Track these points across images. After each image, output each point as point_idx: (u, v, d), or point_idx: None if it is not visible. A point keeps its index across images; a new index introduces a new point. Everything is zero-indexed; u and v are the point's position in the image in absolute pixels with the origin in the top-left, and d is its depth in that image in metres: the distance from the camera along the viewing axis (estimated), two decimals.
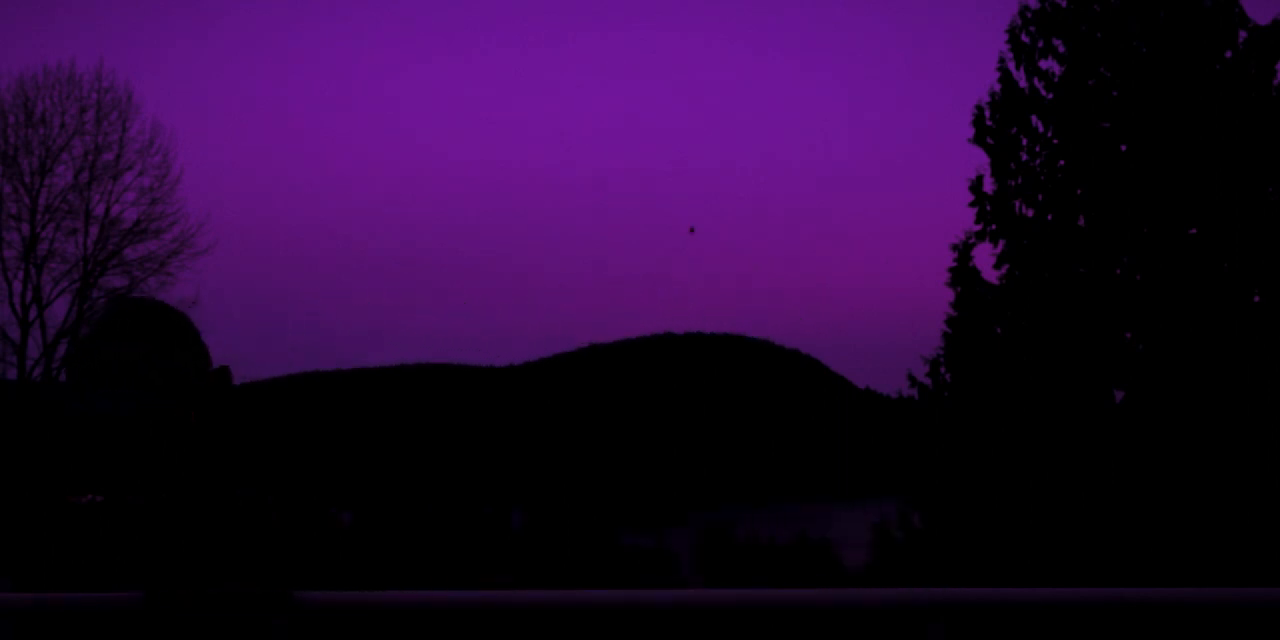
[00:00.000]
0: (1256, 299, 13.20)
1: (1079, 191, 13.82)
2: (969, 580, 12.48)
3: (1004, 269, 14.14)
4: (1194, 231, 13.41)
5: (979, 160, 14.54)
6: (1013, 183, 14.22)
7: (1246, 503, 12.18)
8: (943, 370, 14.47)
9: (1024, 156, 14.27)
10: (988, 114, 14.51)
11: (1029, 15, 14.44)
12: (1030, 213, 14.05)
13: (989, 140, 14.44)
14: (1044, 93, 14.28)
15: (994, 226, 14.21)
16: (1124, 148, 13.77)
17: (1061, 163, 14.04)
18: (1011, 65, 14.46)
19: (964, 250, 14.36)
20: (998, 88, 14.50)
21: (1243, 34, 13.74)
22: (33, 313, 25.51)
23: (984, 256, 14.31)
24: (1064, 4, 14.29)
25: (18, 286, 25.69)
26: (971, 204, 14.33)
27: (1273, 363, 12.66)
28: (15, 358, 25.25)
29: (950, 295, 14.43)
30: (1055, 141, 14.13)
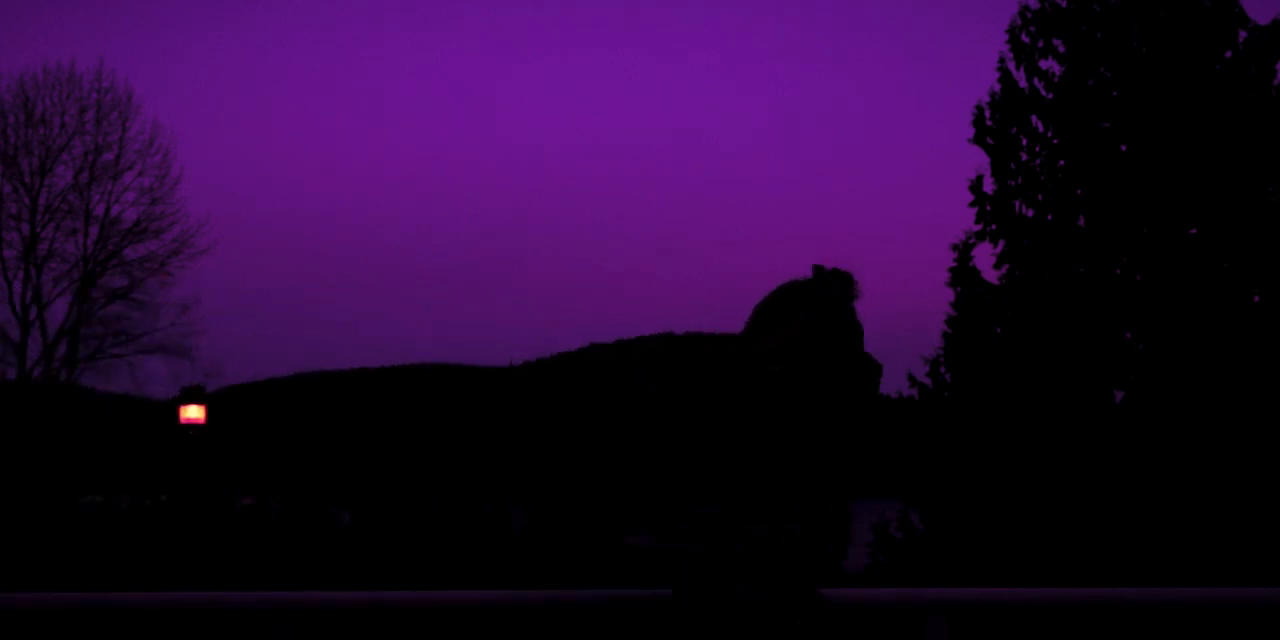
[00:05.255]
0: (1256, 299, 13.20)
1: (1079, 191, 13.82)
2: (969, 581, 12.47)
3: (1004, 269, 14.14)
4: (1194, 231, 13.41)
5: (979, 160, 14.55)
6: (1013, 183, 14.22)
7: (1247, 503, 12.18)
8: (943, 370, 14.46)
9: (1024, 156, 14.27)
10: (988, 114, 14.52)
11: (1029, 15, 14.44)
12: (1030, 213, 14.06)
13: (989, 140, 14.45)
14: (1044, 93, 14.28)
15: (994, 226, 14.21)
16: (1124, 148, 13.77)
17: (1061, 163, 14.04)
18: (1011, 65, 14.47)
19: (964, 250, 14.37)
20: (998, 88, 14.51)
21: (1243, 34, 13.75)
22: (33, 313, 25.45)
23: (984, 256, 14.32)
24: (1064, 4, 14.29)
25: (18, 286, 25.65)
26: (971, 204, 14.33)
27: (1273, 362, 12.66)
28: (15, 358, 25.22)
29: (950, 295, 14.43)
30: (1055, 141, 14.13)
